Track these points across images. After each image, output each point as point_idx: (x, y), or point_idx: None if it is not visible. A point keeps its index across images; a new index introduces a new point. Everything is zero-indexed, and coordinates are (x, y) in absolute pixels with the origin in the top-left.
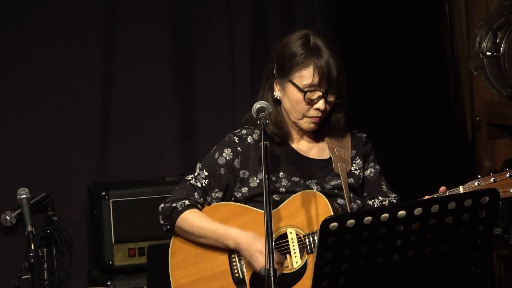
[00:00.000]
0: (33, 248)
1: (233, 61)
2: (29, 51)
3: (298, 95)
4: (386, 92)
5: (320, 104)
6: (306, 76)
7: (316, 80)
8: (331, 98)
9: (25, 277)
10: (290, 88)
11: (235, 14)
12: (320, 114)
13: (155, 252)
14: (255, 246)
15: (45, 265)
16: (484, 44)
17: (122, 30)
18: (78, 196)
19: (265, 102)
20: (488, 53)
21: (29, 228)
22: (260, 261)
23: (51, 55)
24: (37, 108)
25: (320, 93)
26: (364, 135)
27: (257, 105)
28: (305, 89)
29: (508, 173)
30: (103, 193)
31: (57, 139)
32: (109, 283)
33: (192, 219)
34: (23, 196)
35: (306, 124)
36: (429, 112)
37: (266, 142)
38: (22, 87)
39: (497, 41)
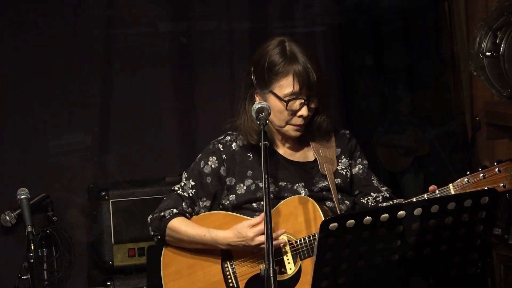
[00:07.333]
0: (33, 248)
1: (233, 61)
2: (29, 51)
3: (280, 105)
4: (386, 92)
5: (303, 111)
6: (286, 85)
7: (297, 88)
8: (312, 105)
9: (25, 277)
10: (272, 99)
11: (235, 14)
12: (303, 122)
13: (154, 252)
14: (246, 238)
15: (45, 265)
16: (484, 44)
17: (122, 31)
18: (78, 196)
19: (264, 102)
20: (488, 53)
21: (29, 229)
22: (262, 242)
23: (51, 55)
24: (37, 108)
25: (302, 101)
26: (348, 131)
27: (256, 105)
28: (286, 98)
29: (497, 168)
30: (103, 193)
31: (56, 139)
32: (108, 283)
33: (180, 226)
34: (23, 196)
35: (290, 131)
36: (429, 112)
37: (266, 142)
38: (22, 87)
39: (497, 41)
